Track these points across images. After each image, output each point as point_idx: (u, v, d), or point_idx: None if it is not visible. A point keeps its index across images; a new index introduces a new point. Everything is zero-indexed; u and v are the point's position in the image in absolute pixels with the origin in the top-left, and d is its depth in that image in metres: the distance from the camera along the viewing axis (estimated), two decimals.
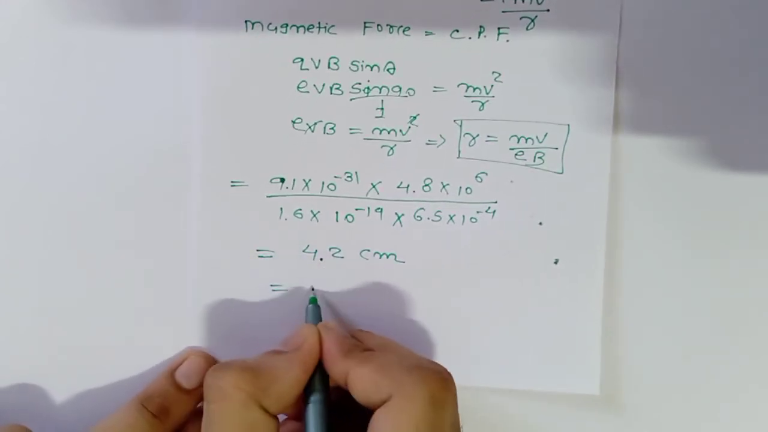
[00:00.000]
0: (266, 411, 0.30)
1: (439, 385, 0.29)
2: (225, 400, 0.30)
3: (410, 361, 0.30)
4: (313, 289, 0.36)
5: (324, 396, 0.31)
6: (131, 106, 0.35)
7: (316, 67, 0.35)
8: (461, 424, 0.30)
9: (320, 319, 0.34)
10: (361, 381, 0.30)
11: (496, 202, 0.35)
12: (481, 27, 0.34)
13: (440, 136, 0.35)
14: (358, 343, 0.33)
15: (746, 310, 0.36)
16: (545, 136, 0.35)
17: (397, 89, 0.35)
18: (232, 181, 0.35)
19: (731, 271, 0.35)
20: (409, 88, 0.35)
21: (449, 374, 0.30)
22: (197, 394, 0.35)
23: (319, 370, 0.32)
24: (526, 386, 0.35)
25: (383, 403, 0.29)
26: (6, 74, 0.35)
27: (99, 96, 0.35)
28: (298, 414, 0.32)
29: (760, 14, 0.34)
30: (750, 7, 0.34)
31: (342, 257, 0.36)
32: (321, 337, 0.32)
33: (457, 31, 0.34)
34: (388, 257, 0.36)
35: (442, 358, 0.36)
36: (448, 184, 0.35)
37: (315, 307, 0.35)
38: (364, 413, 0.30)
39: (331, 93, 0.35)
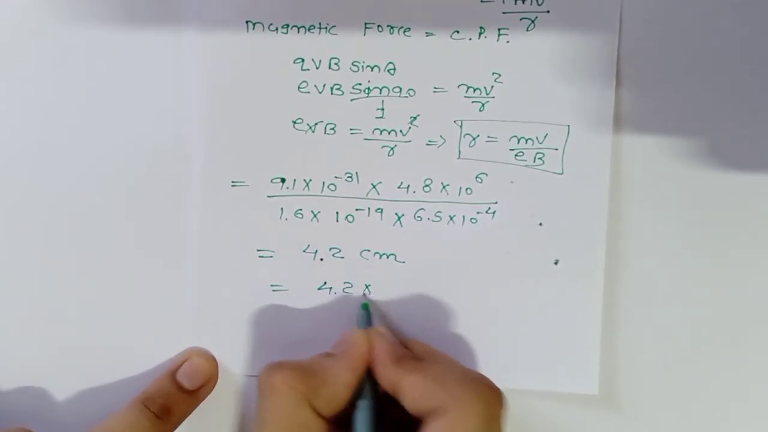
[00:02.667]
0: (317, 412, 0.31)
1: (495, 400, 0.30)
2: (278, 397, 0.30)
3: (464, 374, 0.31)
4: (365, 295, 0.36)
5: (372, 402, 0.32)
6: (132, 106, 0.35)
7: (317, 68, 0.35)
8: None
9: (371, 325, 0.34)
10: (414, 390, 0.30)
11: (496, 203, 0.35)
12: (481, 28, 0.34)
13: (440, 136, 0.35)
14: (408, 352, 0.33)
15: (746, 310, 0.36)
16: (545, 136, 0.35)
17: (397, 90, 0.35)
18: (232, 181, 0.35)
19: (731, 271, 0.36)
20: (409, 89, 0.35)
21: (497, 390, 0.30)
22: (198, 394, 0.35)
23: (368, 376, 0.32)
24: (526, 386, 0.36)
25: (435, 413, 0.29)
26: (6, 74, 0.35)
27: (99, 96, 0.35)
28: (344, 419, 0.32)
29: (760, 14, 0.34)
30: (750, 6, 0.34)
31: (342, 257, 0.36)
32: (371, 343, 0.32)
33: (458, 31, 0.34)
34: (388, 257, 0.36)
35: None
36: (448, 185, 0.35)
37: (366, 312, 0.35)
38: (410, 422, 0.30)
39: (332, 93, 0.35)
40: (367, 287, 0.36)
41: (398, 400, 0.31)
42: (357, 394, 0.32)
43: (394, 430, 0.32)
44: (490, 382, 0.30)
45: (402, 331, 0.36)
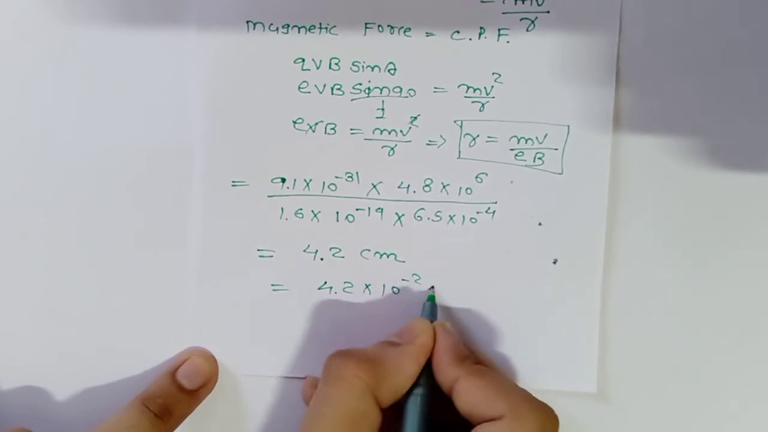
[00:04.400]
0: (378, 402, 0.31)
1: (551, 420, 0.30)
2: (343, 385, 0.30)
3: (523, 389, 0.31)
4: (432, 287, 0.36)
5: (427, 391, 0.32)
6: (132, 106, 0.35)
7: (318, 68, 0.35)
8: None
9: (435, 318, 0.34)
10: (472, 392, 0.30)
11: (496, 203, 0.35)
12: (481, 28, 0.34)
13: (441, 136, 0.35)
14: (470, 354, 0.33)
15: (745, 310, 0.36)
16: (545, 136, 0.35)
17: (397, 90, 0.35)
18: (233, 181, 0.35)
19: (730, 271, 0.36)
20: (409, 89, 0.35)
21: (550, 412, 0.30)
22: (198, 394, 0.35)
23: (426, 367, 0.32)
24: (524, 384, 0.35)
25: (491, 420, 0.29)
26: (6, 74, 0.35)
27: (100, 96, 0.35)
28: (396, 407, 0.32)
29: (759, 14, 0.34)
30: (750, 7, 0.34)
31: (342, 257, 0.36)
32: (436, 336, 0.33)
33: (458, 32, 0.34)
34: (388, 257, 0.36)
35: None
36: (448, 185, 0.35)
37: (432, 305, 0.35)
38: (454, 423, 0.30)
39: (332, 93, 0.35)
40: (367, 287, 0.36)
41: (451, 398, 0.31)
42: (414, 384, 0.32)
43: (437, 428, 0.32)
44: (552, 412, 0.30)
45: (395, 327, 0.36)
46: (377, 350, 0.32)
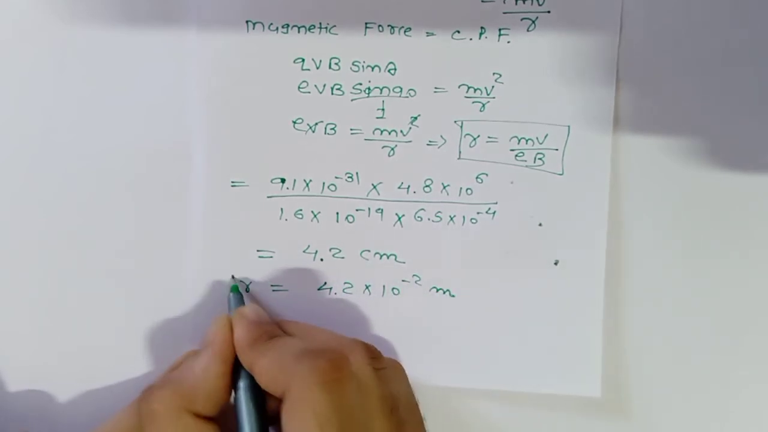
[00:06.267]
0: (200, 416, 0.30)
1: (329, 367, 0.28)
2: (156, 420, 0.30)
3: (305, 348, 0.30)
4: (233, 277, 0.35)
5: (252, 382, 0.31)
6: (132, 107, 0.35)
7: (317, 68, 0.35)
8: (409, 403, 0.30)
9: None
10: (261, 374, 0.30)
11: (496, 203, 0.35)
12: (482, 28, 0.34)
13: (441, 136, 0.35)
14: (268, 331, 0.32)
15: (748, 311, 0.36)
16: (546, 137, 0.35)
17: (398, 90, 0.35)
18: (232, 182, 0.35)
19: (732, 271, 0.36)
20: (410, 89, 0.35)
21: (343, 353, 0.29)
22: None
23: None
24: (527, 388, 0.36)
25: (282, 396, 0.29)
26: (6, 74, 0.35)
27: (99, 96, 0.35)
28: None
29: (759, 14, 0.34)
30: (750, 7, 0.34)
31: (342, 258, 0.36)
32: (233, 327, 0.32)
33: (458, 32, 0.34)
34: (388, 258, 0.36)
35: (441, 360, 0.36)
36: (448, 185, 0.35)
37: (235, 295, 0.34)
38: None
39: (332, 93, 0.35)
40: (367, 287, 0.36)
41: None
42: (237, 378, 0.31)
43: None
44: (335, 346, 0.30)
45: (401, 332, 0.36)
46: (180, 366, 0.32)
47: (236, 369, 0.31)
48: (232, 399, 0.31)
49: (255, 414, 0.31)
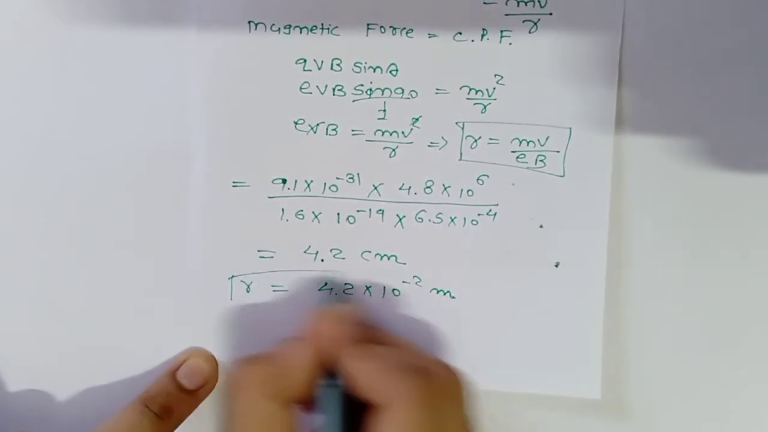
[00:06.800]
0: (281, 401, 0.30)
1: (438, 389, 0.29)
2: (240, 392, 0.30)
3: (409, 363, 0.30)
4: (326, 284, 0.36)
5: (338, 381, 0.31)
6: (133, 107, 0.35)
7: (319, 68, 0.35)
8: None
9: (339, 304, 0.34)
10: (360, 377, 0.30)
11: (497, 205, 0.35)
12: (483, 30, 0.34)
13: (442, 138, 0.35)
14: (369, 335, 0.33)
15: (748, 312, 0.36)
16: (547, 139, 0.35)
17: (399, 91, 0.35)
18: (233, 182, 0.35)
19: (733, 272, 0.36)
20: (411, 90, 0.35)
21: (450, 375, 0.30)
22: (198, 394, 0.35)
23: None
24: (527, 389, 0.36)
25: (381, 404, 0.29)
26: (6, 74, 0.34)
27: (100, 97, 0.35)
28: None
29: (760, 15, 0.34)
30: (751, 8, 0.34)
31: (343, 258, 0.36)
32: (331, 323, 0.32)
33: (460, 33, 0.34)
34: (389, 259, 0.36)
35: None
36: (449, 186, 0.35)
37: (329, 291, 0.35)
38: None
39: (334, 94, 0.35)
40: (368, 288, 0.36)
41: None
42: (327, 375, 0.31)
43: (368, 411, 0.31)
44: (438, 368, 0.30)
45: (401, 333, 0.36)
46: (274, 348, 0.32)
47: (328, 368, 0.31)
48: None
49: (339, 412, 0.31)
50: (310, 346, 0.32)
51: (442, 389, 0.29)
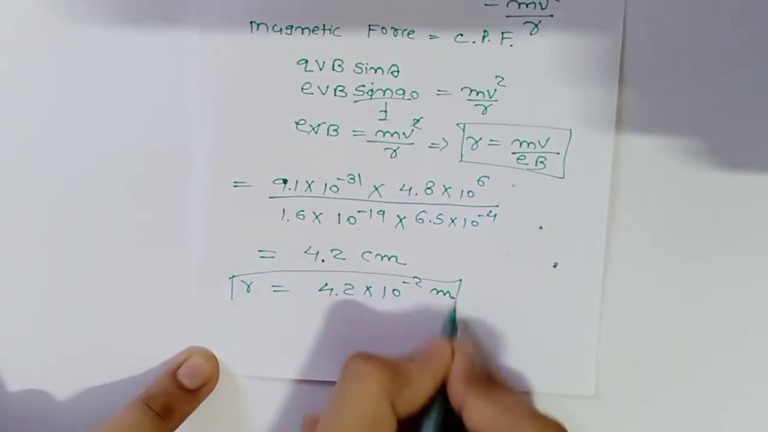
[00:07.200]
0: (394, 409, 0.31)
1: None
2: (364, 386, 0.31)
3: (533, 411, 0.31)
4: (455, 304, 0.36)
5: (443, 410, 0.32)
6: (134, 107, 0.35)
7: (321, 69, 0.35)
8: None
9: (455, 335, 0.35)
10: (480, 414, 0.31)
11: (497, 206, 0.35)
12: (485, 31, 0.34)
13: (443, 139, 0.35)
14: (483, 374, 0.33)
15: (747, 311, 0.36)
16: (547, 140, 0.35)
17: (400, 92, 0.35)
18: (234, 182, 0.35)
19: (731, 273, 0.36)
20: (412, 91, 0.35)
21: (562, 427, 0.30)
22: (199, 394, 0.35)
23: (443, 386, 0.32)
24: (523, 387, 0.36)
25: None
26: (6, 74, 0.34)
27: (101, 97, 0.35)
28: (410, 423, 0.32)
29: (760, 15, 0.34)
30: (751, 8, 0.34)
31: (344, 259, 0.36)
32: (453, 356, 0.33)
33: (461, 34, 0.34)
34: (389, 259, 0.36)
35: None
36: (450, 187, 0.35)
37: (452, 323, 0.35)
38: None
39: (335, 95, 0.35)
40: (368, 289, 0.36)
41: (463, 419, 0.31)
42: (429, 402, 0.32)
43: None
44: (557, 421, 0.31)
45: (402, 333, 0.36)
46: (398, 361, 0.32)
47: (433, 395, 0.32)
48: None
49: None
50: (429, 370, 0.32)
51: None
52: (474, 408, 0.31)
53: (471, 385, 0.32)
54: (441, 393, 0.32)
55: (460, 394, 0.32)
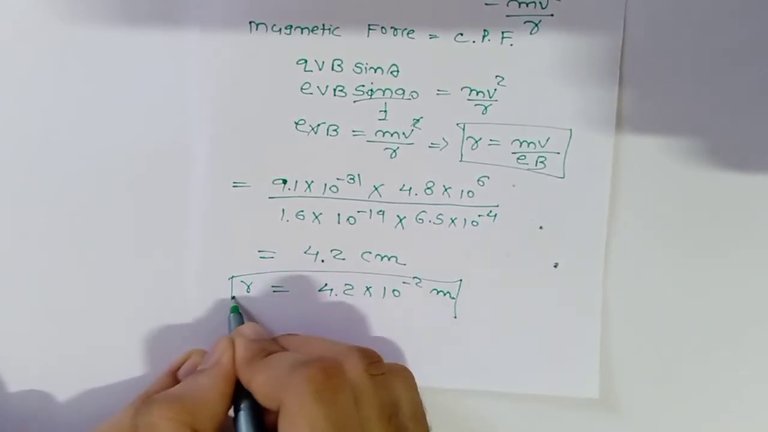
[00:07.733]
0: None
1: (321, 376, 0.28)
2: None
3: (299, 359, 0.29)
4: (233, 298, 0.36)
5: (252, 402, 0.31)
6: (133, 107, 0.35)
7: (320, 69, 0.35)
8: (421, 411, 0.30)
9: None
10: (258, 391, 0.30)
11: (497, 206, 0.35)
12: (485, 31, 0.34)
13: (443, 139, 0.35)
14: (265, 347, 0.32)
15: (747, 312, 0.36)
16: (547, 140, 0.35)
17: (400, 92, 0.35)
18: (234, 182, 0.35)
19: (733, 273, 0.36)
20: (412, 91, 0.35)
21: (336, 361, 0.29)
22: None
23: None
24: (526, 389, 0.36)
25: (279, 410, 0.28)
26: (6, 74, 0.34)
27: (100, 97, 0.35)
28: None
29: (760, 15, 0.34)
30: (751, 9, 0.34)
31: (343, 259, 0.36)
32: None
33: (461, 34, 0.34)
34: (389, 259, 0.36)
35: (441, 362, 0.36)
36: (450, 188, 0.35)
37: (236, 315, 0.35)
38: None
39: (335, 95, 0.35)
40: (368, 289, 0.36)
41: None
42: (239, 398, 0.31)
43: None
44: (350, 355, 0.29)
45: (402, 333, 0.36)
46: (183, 384, 0.31)
47: (237, 388, 0.31)
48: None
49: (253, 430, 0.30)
50: (216, 374, 0.31)
51: (340, 375, 0.28)
52: (256, 387, 0.30)
53: (250, 365, 0.31)
54: (240, 387, 0.31)
55: (243, 378, 0.31)
